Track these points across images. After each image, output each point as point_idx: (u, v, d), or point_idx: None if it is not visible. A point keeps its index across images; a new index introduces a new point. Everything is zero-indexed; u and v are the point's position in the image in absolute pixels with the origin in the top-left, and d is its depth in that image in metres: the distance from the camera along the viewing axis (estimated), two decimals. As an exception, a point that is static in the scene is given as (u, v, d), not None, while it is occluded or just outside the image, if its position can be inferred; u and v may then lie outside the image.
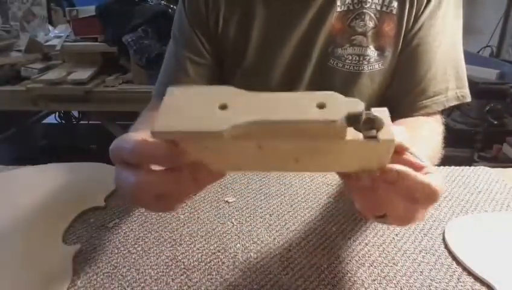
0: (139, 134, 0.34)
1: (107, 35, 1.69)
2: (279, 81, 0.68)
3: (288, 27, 0.65)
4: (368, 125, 0.28)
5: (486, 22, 2.38)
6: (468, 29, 2.44)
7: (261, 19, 0.66)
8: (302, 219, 0.53)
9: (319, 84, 0.67)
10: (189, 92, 0.30)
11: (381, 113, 0.29)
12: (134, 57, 1.57)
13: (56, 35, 1.86)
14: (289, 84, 0.68)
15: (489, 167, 0.68)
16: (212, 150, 0.30)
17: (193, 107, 0.29)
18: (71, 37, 1.79)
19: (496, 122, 1.64)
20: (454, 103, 0.65)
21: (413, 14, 0.63)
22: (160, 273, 0.43)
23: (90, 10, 1.72)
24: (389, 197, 0.32)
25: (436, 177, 0.32)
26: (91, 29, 1.74)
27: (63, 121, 2.58)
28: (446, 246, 0.47)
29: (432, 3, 0.62)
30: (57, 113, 2.49)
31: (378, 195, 0.32)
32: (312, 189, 0.60)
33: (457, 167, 0.67)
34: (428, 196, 0.31)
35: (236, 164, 0.33)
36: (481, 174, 0.64)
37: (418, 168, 0.33)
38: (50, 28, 1.94)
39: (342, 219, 0.53)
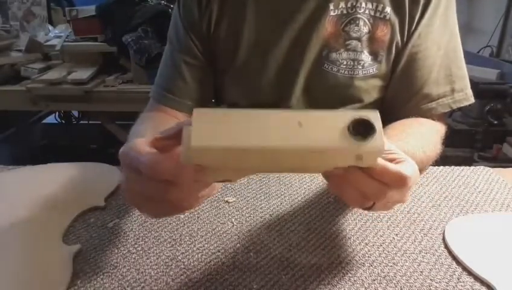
0: (149, 144, 0.35)
1: (107, 35, 1.69)
2: (272, 83, 0.68)
3: (278, 29, 0.66)
4: (361, 128, 0.31)
5: (486, 22, 2.38)
6: (468, 29, 2.44)
7: (252, 21, 0.67)
8: (302, 219, 0.53)
9: (313, 88, 0.67)
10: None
11: (373, 115, 0.32)
12: (134, 57, 1.57)
13: (56, 35, 1.86)
14: (283, 87, 0.68)
15: (489, 167, 0.68)
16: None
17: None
18: (71, 37, 1.79)
19: (496, 122, 1.64)
20: (464, 103, 0.65)
21: (407, 22, 0.63)
22: (160, 273, 0.43)
23: (90, 10, 1.72)
24: (361, 182, 0.35)
25: (407, 166, 0.37)
26: (91, 29, 1.74)
27: (63, 121, 2.58)
28: (446, 246, 0.47)
29: (429, 12, 0.62)
30: (57, 113, 2.49)
31: (352, 181, 0.36)
32: (312, 189, 0.60)
33: (457, 167, 0.67)
34: (398, 180, 0.35)
35: (245, 172, 0.36)
36: (481, 174, 0.64)
37: (388, 160, 0.37)
38: (50, 28, 1.94)
39: (342, 219, 0.53)
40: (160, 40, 1.56)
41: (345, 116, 0.31)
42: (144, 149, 0.34)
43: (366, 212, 0.54)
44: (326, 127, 0.31)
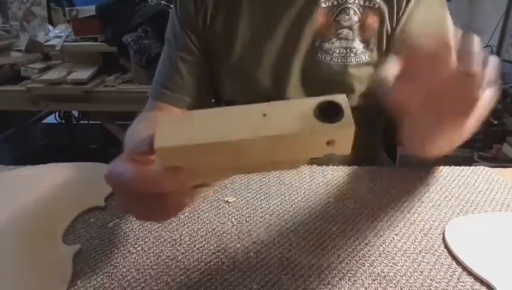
0: (130, 161, 0.36)
1: (107, 35, 1.69)
2: (268, 76, 0.70)
3: (272, 23, 0.67)
4: (329, 112, 0.30)
5: (486, 22, 2.38)
6: (468, 29, 2.44)
7: (247, 16, 0.68)
8: (302, 219, 0.53)
9: (308, 78, 0.69)
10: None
11: (340, 98, 0.31)
12: (134, 57, 1.57)
13: (56, 35, 1.86)
14: (278, 79, 0.69)
15: (489, 167, 0.68)
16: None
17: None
18: (71, 37, 1.79)
19: (495, 122, 1.64)
20: None
21: (395, 10, 0.65)
22: (160, 273, 0.43)
23: (90, 10, 1.72)
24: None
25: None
26: (91, 29, 1.74)
27: (63, 121, 2.58)
28: (446, 246, 0.47)
29: (413, 1, 0.64)
30: (57, 113, 2.49)
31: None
32: (312, 189, 0.60)
33: (457, 167, 0.67)
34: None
35: (219, 174, 0.36)
36: (481, 174, 0.64)
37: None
38: (50, 28, 1.94)
39: (342, 219, 0.53)
40: (160, 40, 1.55)
41: (311, 101, 0.30)
42: (126, 166, 0.35)
43: (366, 212, 0.54)
44: (291, 114, 0.30)
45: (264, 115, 0.30)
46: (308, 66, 0.68)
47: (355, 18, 0.65)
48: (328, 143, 0.31)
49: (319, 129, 0.29)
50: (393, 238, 0.49)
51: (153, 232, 0.50)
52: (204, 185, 0.38)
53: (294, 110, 0.30)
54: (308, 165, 0.67)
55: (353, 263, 0.45)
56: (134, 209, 0.38)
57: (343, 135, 0.30)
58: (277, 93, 0.69)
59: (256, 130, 0.30)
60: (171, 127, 0.31)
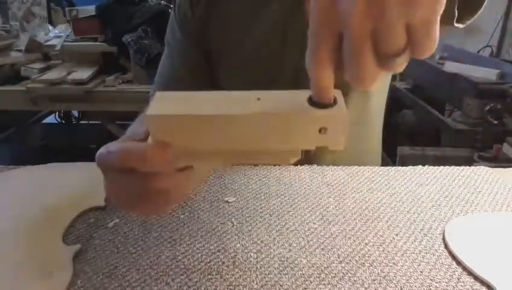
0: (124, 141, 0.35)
1: (107, 35, 1.69)
2: (266, 73, 0.71)
3: (267, 20, 0.68)
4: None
5: (486, 22, 2.38)
6: (468, 29, 2.44)
7: (239, 16, 0.70)
8: (302, 218, 0.53)
9: (304, 66, 0.69)
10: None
11: (335, 92, 0.31)
12: (134, 57, 1.57)
13: (56, 35, 1.86)
14: (276, 73, 0.71)
15: (489, 167, 0.68)
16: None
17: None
18: (71, 37, 1.79)
19: (495, 122, 1.64)
20: None
21: None
22: (160, 273, 0.43)
23: (90, 10, 1.73)
24: None
25: None
26: (91, 29, 1.74)
27: (63, 121, 2.58)
28: (446, 246, 0.47)
29: None
30: (57, 113, 2.49)
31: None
32: (312, 189, 0.60)
33: (457, 167, 0.67)
34: None
35: (206, 158, 0.35)
36: (481, 174, 0.64)
37: None
38: (50, 28, 1.95)
39: (342, 219, 0.53)
40: (160, 40, 1.56)
41: (305, 92, 0.31)
42: (117, 145, 0.34)
43: (366, 212, 0.54)
44: (285, 100, 0.31)
45: (258, 99, 0.31)
46: (304, 54, 0.69)
47: None
48: (320, 131, 0.31)
49: (311, 113, 0.30)
50: (393, 238, 0.49)
51: (152, 232, 0.50)
52: (191, 169, 0.36)
53: (289, 97, 0.32)
54: (308, 166, 0.67)
55: (353, 263, 0.45)
56: (119, 193, 0.36)
57: (336, 122, 0.30)
58: (276, 87, 0.70)
59: (250, 108, 0.30)
60: (167, 100, 0.32)
